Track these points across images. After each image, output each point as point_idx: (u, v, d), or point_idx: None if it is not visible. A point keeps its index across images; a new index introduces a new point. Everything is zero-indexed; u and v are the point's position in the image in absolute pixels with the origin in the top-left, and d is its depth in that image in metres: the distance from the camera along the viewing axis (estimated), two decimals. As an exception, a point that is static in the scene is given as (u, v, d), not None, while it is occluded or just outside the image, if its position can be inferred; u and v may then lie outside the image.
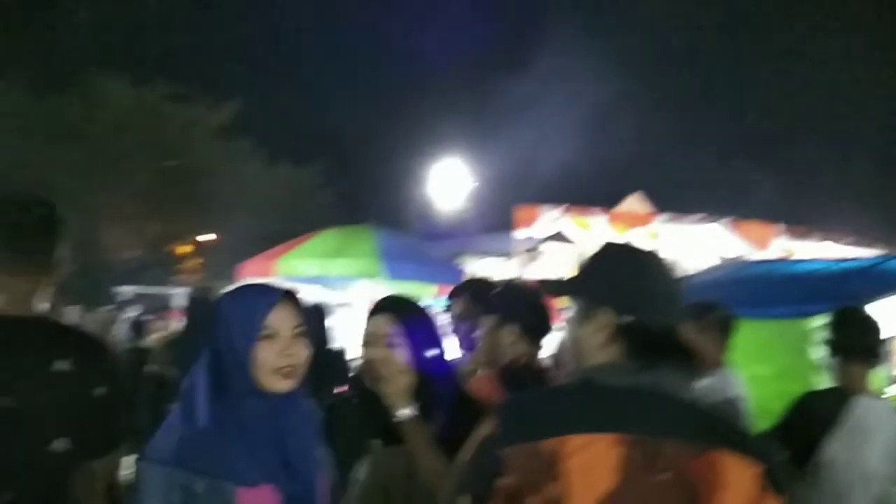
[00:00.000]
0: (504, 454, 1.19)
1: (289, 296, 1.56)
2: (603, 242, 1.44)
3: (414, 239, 8.32)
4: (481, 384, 2.05)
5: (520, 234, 11.67)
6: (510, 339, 2.18)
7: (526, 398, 1.33)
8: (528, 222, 11.20)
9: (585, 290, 1.36)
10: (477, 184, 19.74)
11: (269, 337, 1.49)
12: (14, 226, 1.73)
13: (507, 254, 14.32)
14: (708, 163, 21.90)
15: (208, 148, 23.50)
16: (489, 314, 2.27)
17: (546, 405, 1.27)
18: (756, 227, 10.45)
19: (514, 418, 1.25)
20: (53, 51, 22.37)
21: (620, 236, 11.27)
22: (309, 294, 6.41)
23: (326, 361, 3.77)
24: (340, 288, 6.59)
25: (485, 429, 1.31)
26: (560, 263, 14.20)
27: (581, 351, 1.32)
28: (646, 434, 1.16)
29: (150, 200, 22.61)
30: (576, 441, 1.15)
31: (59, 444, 1.61)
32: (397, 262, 6.20)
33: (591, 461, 1.14)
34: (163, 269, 22.48)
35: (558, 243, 12.04)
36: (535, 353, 2.21)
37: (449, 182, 19.22)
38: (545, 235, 11.86)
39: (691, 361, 1.27)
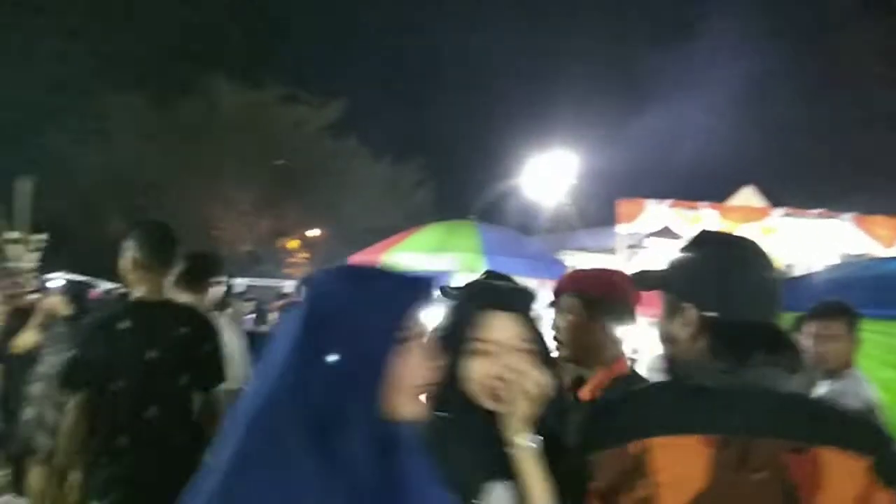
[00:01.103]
0: (593, 459, 1.20)
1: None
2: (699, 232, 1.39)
3: (515, 233, 8.29)
4: None
5: (622, 229, 11.37)
6: None
7: (613, 401, 1.34)
8: (632, 217, 10.91)
9: (671, 284, 1.32)
10: (578, 178, 19.44)
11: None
12: (153, 242, 2.69)
13: (609, 250, 14.02)
14: (829, 154, 20.52)
15: (316, 146, 24.41)
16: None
17: (632, 407, 1.26)
18: (882, 223, 9.72)
19: (602, 422, 1.26)
20: (172, 57, 23.89)
21: (733, 231, 10.78)
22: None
23: None
24: (443, 283, 6.68)
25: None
26: (667, 257, 13.73)
27: (670, 346, 1.30)
28: (737, 433, 1.13)
29: (261, 197, 23.76)
30: (662, 442, 1.14)
31: (183, 379, 2.62)
32: (498, 256, 6.21)
33: (679, 462, 1.13)
34: (273, 262, 23.59)
35: (664, 239, 11.65)
36: None
37: (549, 176, 19.01)
38: (650, 231, 11.51)
39: (790, 357, 1.20)
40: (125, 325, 2.58)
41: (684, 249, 1.36)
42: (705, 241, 1.36)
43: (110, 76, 22.79)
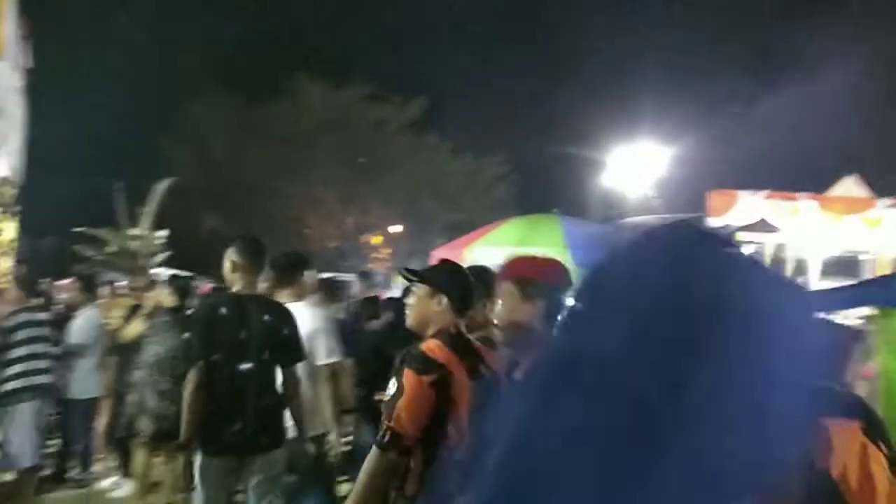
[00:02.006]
0: None
1: None
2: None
3: (600, 227, 8.15)
4: (431, 345, 2.27)
5: (714, 221, 10.94)
6: (439, 309, 2.39)
7: None
8: (724, 209, 10.46)
9: None
10: (665, 170, 18.86)
11: None
12: (249, 252, 3.46)
13: (699, 243, 13.52)
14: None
15: (398, 143, 24.76)
16: (421, 285, 2.48)
17: None
18: None
19: None
20: (262, 60, 24.79)
21: (834, 223, 10.19)
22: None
23: None
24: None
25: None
26: (762, 251, 13.15)
27: None
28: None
29: (346, 195, 24.33)
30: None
31: (266, 355, 3.34)
32: (584, 250, 6.10)
33: None
34: (357, 258, 24.12)
35: (760, 233, 11.13)
36: (461, 323, 2.42)
37: (635, 169, 18.54)
38: (744, 223, 11.02)
39: None
40: (223, 312, 3.34)
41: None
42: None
43: (206, 80, 23.91)
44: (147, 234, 8.92)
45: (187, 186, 23.57)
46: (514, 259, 2.13)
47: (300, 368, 3.53)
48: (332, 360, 3.91)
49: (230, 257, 3.44)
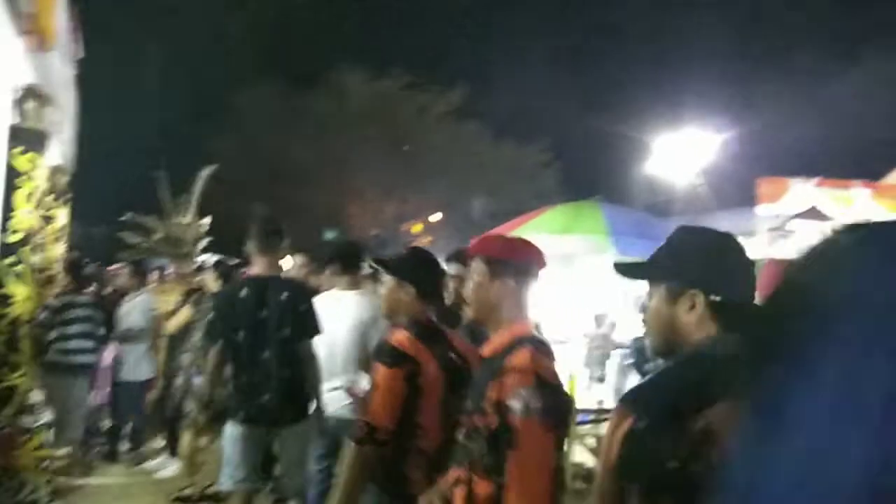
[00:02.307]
0: (662, 440, 1.26)
1: None
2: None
3: (644, 214, 7.98)
4: (400, 338, 2.33)
5: (764, 210, 10.61)
6: (407, 299, 2.45)
7: (664, 384, 1.39)
8: (775, 197, 10.14)
9: (673, 274, 1.44)
10: (712, 157, 18.41)
11: None
12: (265, 233, 3.65)
13: (748, 232, 13.19)
14: None
15: (439, 131, 24.70)
16: (390, 275, 2.54)
17: (686, 384, 1.33)
18: None
19: (656, 405, 1.33)
20: (305, 50, 24.97)
21: (889, 212, 9.81)
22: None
23: None
24: (568, 264, 6.55)
25: (613, 426, 1.34)
26: (814, 241, 12.69)
27: (676, 328, 1.41)
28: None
29: (386, 183, 24.41)
30: (727, 407, 1.21)
31: (285, 331, 3.54)
32: (626, 237, 6.00)
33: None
34: (397, 246, 24.21)
35: (811, 221, 10.76)
36: (429, 311, 2.47)
37: (681, 156, 18.15)
38: (795, 212, 10.68)
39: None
40: (244, 293, 3.57)
41: (670, 241, 1.50)
42: (690, 232, 1.51)
43: (250, 70, 24.22)
44: (191, 221, 9.09)
45: (231, 175, 24.03)
46: (485, 237, 2.14)
47: (350, 355, 3.78)
48: None
49: (249, 240, 3.66)
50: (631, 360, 5.97)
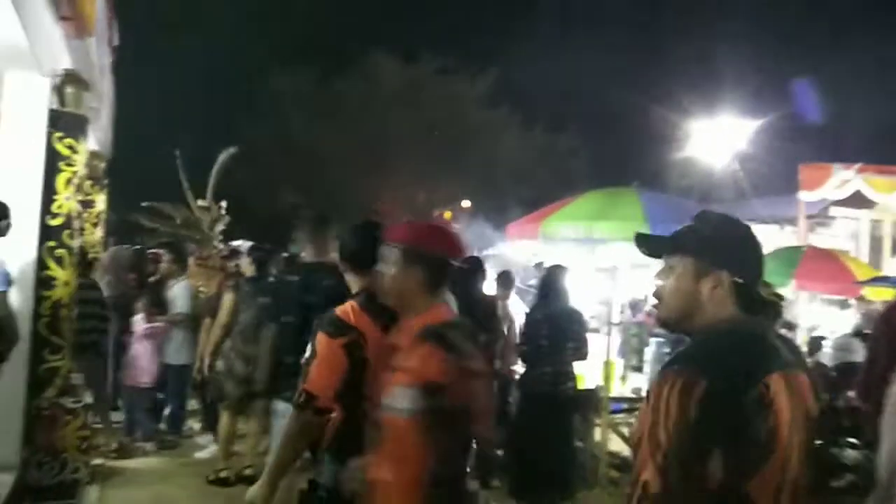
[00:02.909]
0: (739, 403, 1.38)
1: None
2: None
3: (681, 201, 7.80)
4: (346, 308, 2.37)
5: (806, 196, 10.35)
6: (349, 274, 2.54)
7: (711, 351, 1.49)
8: (817, 183, 9.89)
9: (703, 251, 1.54)
10: (748, 143, 18.00)
11: None
12: (316, 218, 3.97)
13: (788, 219, 12.89)
14: None
15: (469, 117, 24.57)
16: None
17: (738, 354, 1.47)
18: None
19: (728, 368, 1.42)
20: (336, 35, 25.00)
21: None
22: (571, 257, 6.41)
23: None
24: (604, 251, 6.44)
25: (684, 390, 1.39)
26: (857, 229, 12.38)
27: (696, 304, 1.53)
28: (784, 367, 1.46)
29: (417, 169, 24.39)
30: (772, 379, 1.41)
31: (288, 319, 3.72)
32: (664, 224, 5.87)
33: (780, 395, 1.42)
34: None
35: (855, 208, 10.51)
36: (373, 285, 2.41)
37: (716, 142, 17.78)
38: (838, 197, 10.40)
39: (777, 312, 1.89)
40: (293, 278, 3.86)
41: (700, 220, 1.60)
42: (719, 217, 1.63)
43: (281, 55, 24.33)
44: (210, 205, 9.15)
45: (263, 162, 24.25)
46: (402, 224, 2.17)
47: None
48: None
49: (300, 230, 4.20)
50: (669, 349, 5.88)
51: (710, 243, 1.54)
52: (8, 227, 4.17)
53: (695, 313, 1.53)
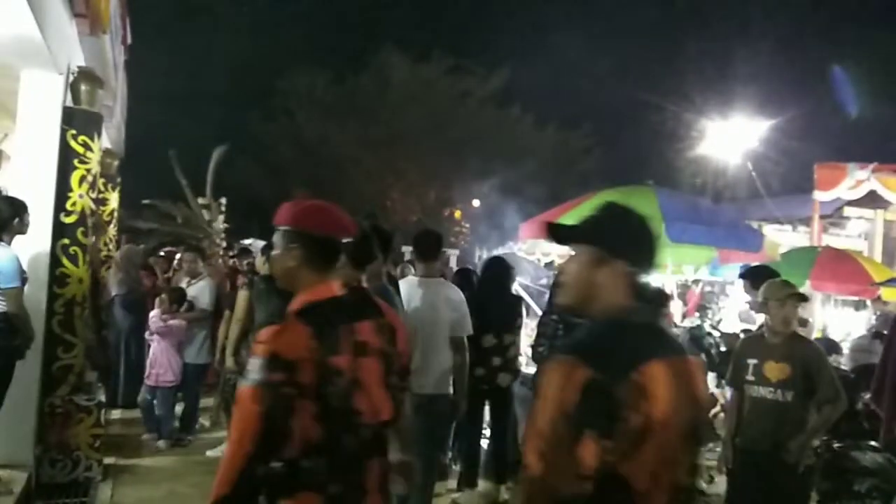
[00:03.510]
0: (615, 390, 1.45)
1: None
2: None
3: (697, 199, 7.70)
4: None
5: (821, 196, 10.23)
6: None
7: (595, 340, 1.60)
8: (833, 183, 9.77)
9: (601, 240, 1.62)
10: (759, 143, 17.85)
11: None
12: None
13: (802, 219, 12.78)
14: None
15: (481, 116, 24.51)
16: None
17: (619, 343, 1.55)
18: None
19: (608, 358, 1.49)
20: (348, 36, 25.01)
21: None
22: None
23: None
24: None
25: (566, 377, 1.47)
26: (871, 229, 12.25)
27: (594, 291, 1.62)
28: (667, 355, 1.55)
29: (428, 168, 24.36)
30: (650, 367, 1.49)
31: None
32: (680, 223, 5.80)
33: (659, 382, 1.49)
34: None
35: (868, 208, 10.37)
36: (361, 278, 2.48)
37: (728, 142, 17.64)
38: (853, 197, 10.28)
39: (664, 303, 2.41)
40: None
41: (604, 211, 1.68)
42: (621, 209, 1.70)
43: (294, 56, 24.38)
44: (210, 202, 9.18)
45: (275, 160, 24.31)
46: (285, 206, 2.11)
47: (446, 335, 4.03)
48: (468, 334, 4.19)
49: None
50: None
51: (607, 234, 1.63)
52: (26, 225, 4.17)
53: (592, 300, 1.62)
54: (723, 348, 5.31)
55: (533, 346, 4.56)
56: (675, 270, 8.39)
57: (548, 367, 1.52)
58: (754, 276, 4.38)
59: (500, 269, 5.05)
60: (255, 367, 1.83)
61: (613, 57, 24.90)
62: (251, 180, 22.34)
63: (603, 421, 1.44)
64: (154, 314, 5.97)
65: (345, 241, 2.10)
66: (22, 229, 4.13)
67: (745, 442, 3.71)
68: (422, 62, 24.37)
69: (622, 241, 1.61)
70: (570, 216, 6.53)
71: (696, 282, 10.03)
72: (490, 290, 4.86)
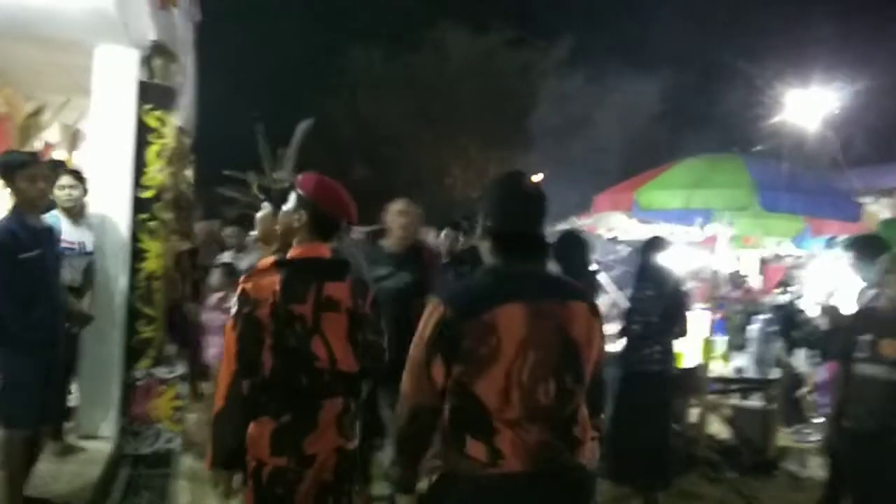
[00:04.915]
0: (462, 326, 1.80)
1: None
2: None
3: (789, 167, 7.22)
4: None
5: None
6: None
7: (463, 286, 2.17)
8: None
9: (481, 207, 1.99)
10: (841, 110, 16.85)
11: None
12: None
13: (884, 191, 12.07)
14: None
15: (543, 87, 24.00)
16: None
17: (479, 289, 1.92)
18: None
19: (462, 301, 1.85)
20: (407, 10, 24.77)
21: None
22: (665, 230, 6.03)
23: None
24: (703, 221, 6.00)
25: (430, 314, 1.86)
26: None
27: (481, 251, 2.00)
28: (534, 299, 1.86)
29: (489, 142, 24.06)
30: (503, 309, 1.81)
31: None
32: (774, 192, 5.43)
33: (512, 321, 1.81)
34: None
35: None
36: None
37: (809, 108, 16.71)
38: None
39: (544, 252, 1.99)
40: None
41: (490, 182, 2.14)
42: (494, 178, 2.14)
43: (353, 30, 24.36)
44: (286, 177, 9.16)
45: (335, 136, 24.42)
46: (307, 175, 2.40)
47: None
48: None
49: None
50: (776, 327, 5.47)
51: (482, 198, 2.02)
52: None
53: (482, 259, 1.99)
54: (821, 325, 4.98)
55: (626, 323, 4.37)
56: (756, 244, 7.96)
57: (427, 307, 1.88)
58: (863, 247, 4.04)
59: (580, 243, 4.83)
60: (233, 301, 2.23)
61: (684, 21, 23.87)
62: (314, 158, 22.50)
63: (455, 348, 1.79)
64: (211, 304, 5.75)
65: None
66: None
67: (852, 422, 3.45)
68: (481, 34, 23.97)
69: (485, 204, 1.97)
70: (655, 185, 6.22)
71: (778, 256, 9.54)
72: (571, 264, 4.66)
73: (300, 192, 2.32)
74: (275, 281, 2.18)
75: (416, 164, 23.33)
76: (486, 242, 1.93)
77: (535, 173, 24.39)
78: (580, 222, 10.95)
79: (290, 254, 2.30)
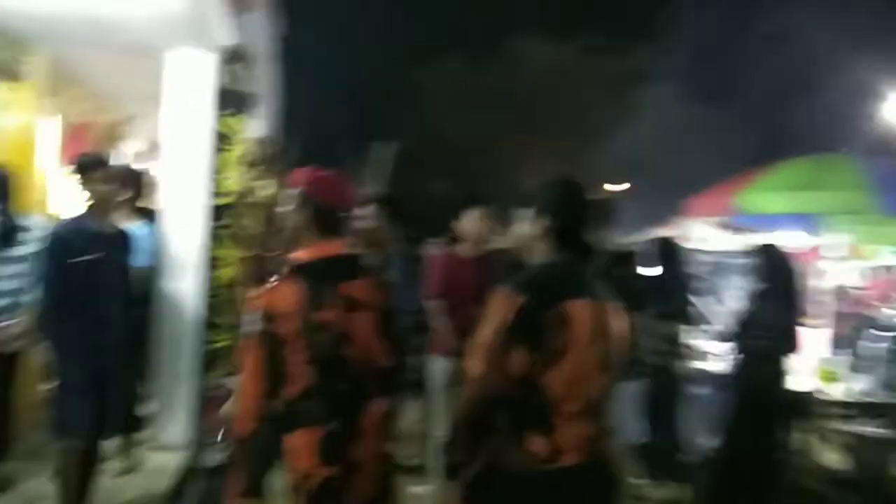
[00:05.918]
0: (541, 315, 1.91)
1: None
2: None
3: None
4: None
5: None
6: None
7: (533, 277, 2.10)
8: None
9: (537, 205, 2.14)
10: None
11: None
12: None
13: None
14: None
15: (621, 95, 23.46)
16: None
17: (551, 282, 2.02)
18: None
19: (540, 291, 1.95)
20: (481, 22, 24.76)
21: None
22: (770, 236, 5.52)
23: None
24: (812, 227, 5.46)
25: (504, 302, 1.95)
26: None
27: (531, 245, 2.15)
28: (594, 296, 2.02)
29: (567, 152, 23.65)
30: (574, 303, 1.96)
31: None
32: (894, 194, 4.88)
33: (582, 314, 1.96)
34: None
35: None
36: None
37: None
38: None
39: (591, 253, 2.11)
40: None
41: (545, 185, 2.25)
42: (559, 180, 2.27)
43: (430, 45, 24.50)
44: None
45: (413, 151, 24.54)
46: (302, 171, 2.32)
47: None
48: None
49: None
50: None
51: (539, 198, 2.11)
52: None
53: (531, 252, 2.11)
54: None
55: (743, 338, 3.97)
56: (867, 255, 7.28)
57: (495, 296, 1.93)
58: None
59: (677, 250, 4.48)
60: (253, 318, 2.11)
61: (769, 25, 22.80)
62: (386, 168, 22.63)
63: (530, 338, 1.86)
64: None
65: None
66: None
67: None
68: (557, 44, 23.67)
69: (545, 203, 2.08)
70: (759, 187, 5.73)
71: (889, 267, 8.73)
72: (670, 271, 4.31)
73: (297, 190, 2.28)
74: (294, 291, 2.11)
75: (492, 175, 23.17)
76: (544, 240, 2.04)
77: (612, 184, 23.86)
78: (663, 233, 10.42)
79: (304, 256, 2.22)
